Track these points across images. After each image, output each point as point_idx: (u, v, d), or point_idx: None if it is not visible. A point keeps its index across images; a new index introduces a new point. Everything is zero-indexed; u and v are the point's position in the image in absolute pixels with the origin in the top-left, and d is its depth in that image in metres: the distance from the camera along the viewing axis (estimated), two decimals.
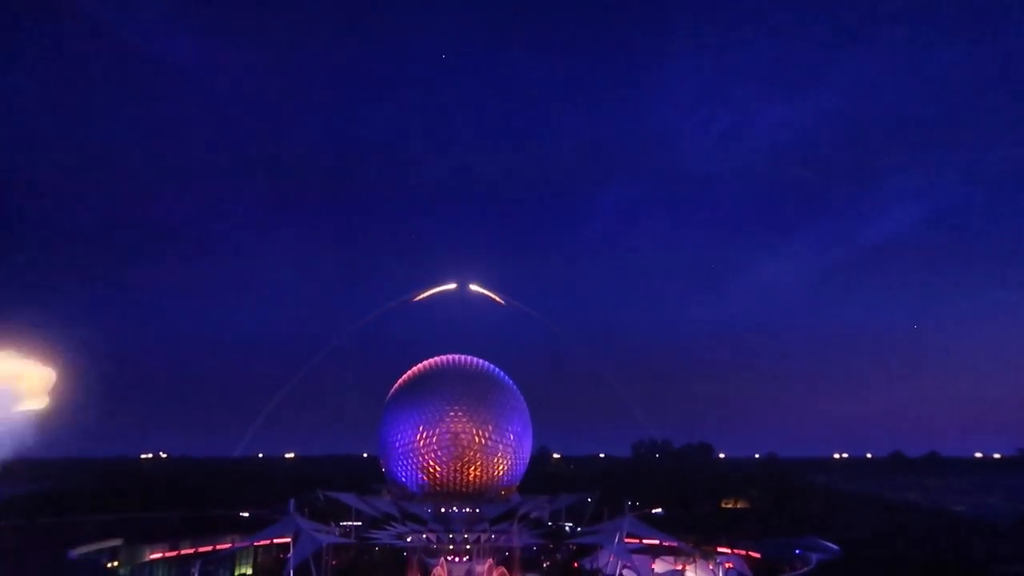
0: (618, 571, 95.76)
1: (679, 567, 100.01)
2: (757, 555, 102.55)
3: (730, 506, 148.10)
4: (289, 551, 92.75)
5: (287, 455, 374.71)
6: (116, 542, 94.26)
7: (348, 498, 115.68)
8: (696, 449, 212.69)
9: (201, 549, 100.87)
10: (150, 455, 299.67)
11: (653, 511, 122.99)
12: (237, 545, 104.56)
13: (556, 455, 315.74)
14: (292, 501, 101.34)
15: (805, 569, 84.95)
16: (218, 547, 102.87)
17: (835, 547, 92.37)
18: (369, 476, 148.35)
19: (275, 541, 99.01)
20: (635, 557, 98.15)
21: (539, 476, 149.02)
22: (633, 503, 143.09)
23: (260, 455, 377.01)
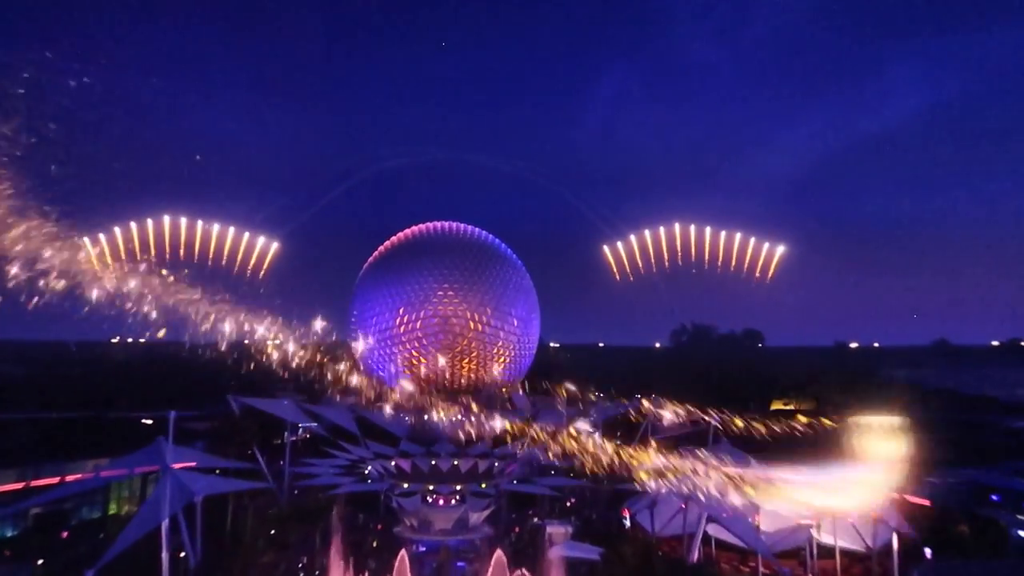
0: (700, 528, 58.43)
1: (803, 523, 59.02)
2: (924, 502, 62.54)
3: (791, 407, 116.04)
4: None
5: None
6: None
7: (277, 408, 75.91)
8: (742, 337, 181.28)
9: (37, 482, 61.26)
10: (117, 339, 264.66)
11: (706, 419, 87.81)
12: (82, 481, 62.52)
13: (553, 344, 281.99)
14: (173, 415, 57.77)
15: None
16: (68, 479, 63.23)
17: None
18: None
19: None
20: (728, 505, 56.66)
21: (535, 368, 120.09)
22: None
23: (246, 341, 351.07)
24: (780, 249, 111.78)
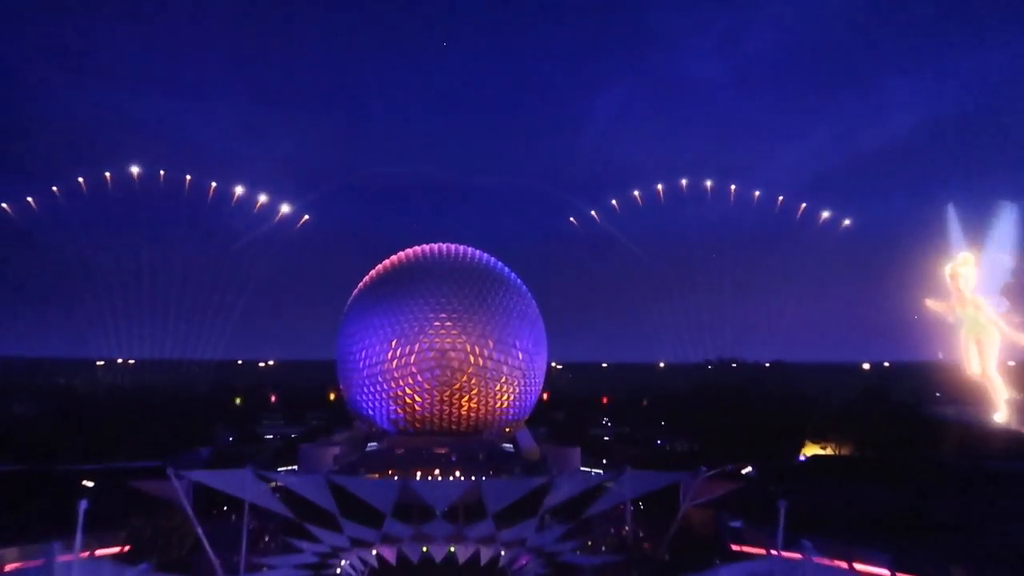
0: None
1: None
2: None
3: (828, 452, 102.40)
4: None
5: (262, 363, 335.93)
6: None
7: (231, 483, 53.98)
8: (770, 370, 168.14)
9: None
10: (103, 361, 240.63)
11: (743, 472, 74.77)
12: None
13: (556, 364, 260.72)
14: (84, 505, 39.31)
15: None
16: None
17: None
18: None
19: None
20: None
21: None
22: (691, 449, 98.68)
23: (239, 362, 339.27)
24: (846, 221, 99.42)
